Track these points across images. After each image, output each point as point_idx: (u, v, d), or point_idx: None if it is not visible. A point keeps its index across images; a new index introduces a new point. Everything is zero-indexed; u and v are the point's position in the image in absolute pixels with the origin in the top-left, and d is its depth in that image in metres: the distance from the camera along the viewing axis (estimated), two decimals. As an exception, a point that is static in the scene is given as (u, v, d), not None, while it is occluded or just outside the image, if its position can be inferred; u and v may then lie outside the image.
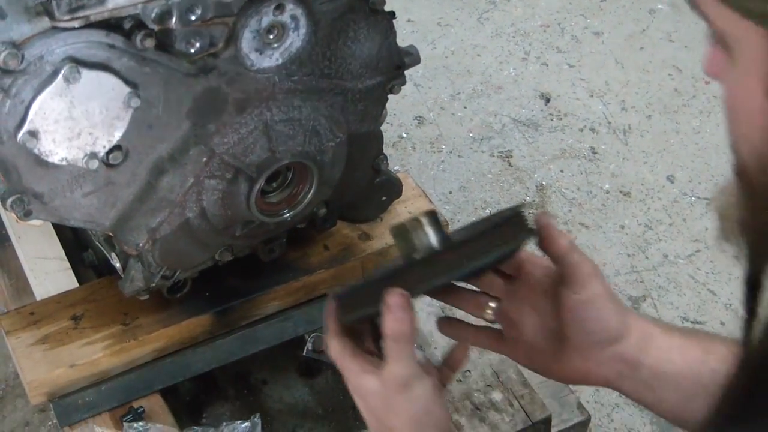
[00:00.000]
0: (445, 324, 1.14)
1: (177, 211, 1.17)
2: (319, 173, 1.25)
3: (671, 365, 1.02)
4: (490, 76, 2.63)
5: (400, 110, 2.42)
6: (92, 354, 1.30)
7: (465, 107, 2.53)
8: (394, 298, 0.93)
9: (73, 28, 0.96)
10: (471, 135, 2.45)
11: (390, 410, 0.98)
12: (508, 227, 0.98)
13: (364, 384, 0.98)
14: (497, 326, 1.08)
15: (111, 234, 1.17)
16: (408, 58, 1.28)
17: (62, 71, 0.96)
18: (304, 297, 1.42)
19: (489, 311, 1.06)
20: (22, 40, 0.95)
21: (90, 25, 0.97)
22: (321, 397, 1.67)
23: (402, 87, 1.30)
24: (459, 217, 2.21)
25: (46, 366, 1.28)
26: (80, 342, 1.31)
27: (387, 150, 1.38)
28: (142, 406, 1.32)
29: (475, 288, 1.08)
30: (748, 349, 0.67)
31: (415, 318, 0.95)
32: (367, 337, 1.03)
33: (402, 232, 0.97)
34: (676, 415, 1.03)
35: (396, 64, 1.26)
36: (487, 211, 2.24)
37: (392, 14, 1.22)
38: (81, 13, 0.95)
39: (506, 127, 2.47)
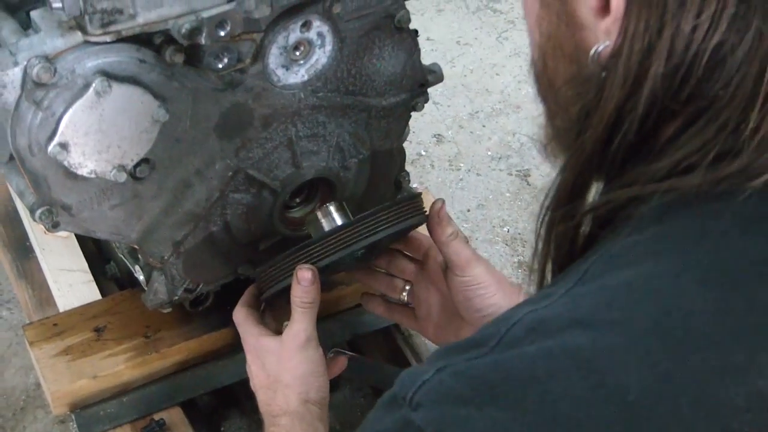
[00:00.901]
0: (368, 299, 1.34)
1: (201, 225, 1.18)
2: (342, 189, 1.26)
3: None
4: (509, 95, 2.64)
5: (419, 128, 2.43)
6: (114, 366, 1.31)
7: (484, 126, 2.54)
8: (303, 272, 1.12)
9: (105, 43, 0.97)
10: (489, 153, 2.46)
11: (283, 366, 1.14)
12: (402, 210, 1.15)
13: (264, 344, 1.16)
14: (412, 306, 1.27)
15: (136, 246, 1.18)
16: (431, 75, 1.29)
17: (93, 84, 0.97)
18: (324, 312, 1.42)
19: (403, 293, 1.27)
20: (55, 54, 0.96)
21: (121, 40, 0.98)
22: (338, 413, 1.67)
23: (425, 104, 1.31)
24: (477, 234, 2.21)
25: (68, 377, 1.29)
26: (102, 354, 1.32)
27: (406, 167, 1.39)
28: (162, 419, 1.33)
29: (391, 273, 1.28)
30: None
31: (319, 290, 1.13)
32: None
33: (313, 218, 1.22)
34: None
35: (419, 81, 1.27)
36: (505, 229, 2.25)
37: (416, 32, 1.24)
38: (113, 28, 0.96)
39: (524, 146, 2.48)
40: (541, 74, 0.77)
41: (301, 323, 1.14)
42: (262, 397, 1.16)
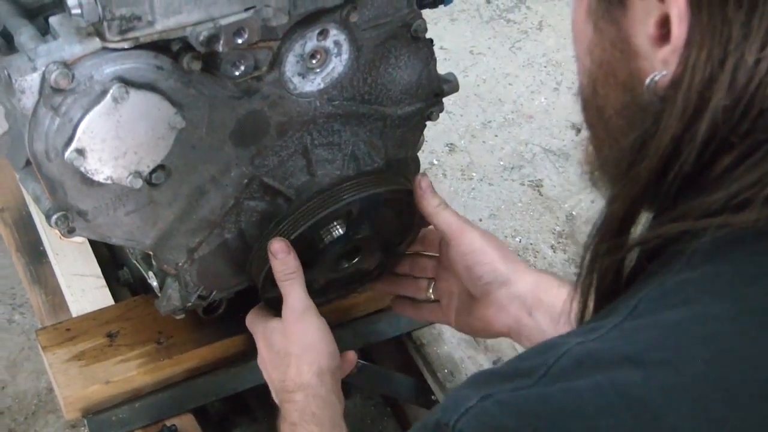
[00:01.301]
0: (397, 302, 1.35)
1: (216, 232, 1.19)
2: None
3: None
4: (522, 105, 2.64)
5: (432, 137, 2.43)
6: (127, 371, 1.31)
7: (496, 135, 2.54)
8: (274, 245, 1.14)
9: (123, 49, 0.98)
10: (502, 163, 2.45)
11: (289, 339, 1.15)
12: (377, 178, 1.19)
13: (270, 326, 1.19)
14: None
15: (151, 252, 1.18)
16: (447, 85, 1.29)
17: (111, 91, 0.97)
18: (336, 320, 1.43)
19: (429, 291, 1.28)
20: (73, 60, 0.97)
21: (139, 47, 0.98)
22: (350, 420, 1.66)
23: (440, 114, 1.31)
24: (489, 244, 2.21)
25: (81, 382, 1.29)
26: (115, 359, 1.32)
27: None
28: (174, 425, 1.33)
29: (415, 275, 1.30)
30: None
31: (297, 259, 1.15)
32: None
33: None
34: None
35: (435, 91, 1.27)
36: (517, 239, 2.25)
37: (432, 42, 1.24)
38: (131, 35, 0.97)
39: (537, 157, 2.48)
40: (590, 101, 0.76)
41: (292, 295, 1.16)
42: (275, 377, 1.17)
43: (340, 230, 1.18)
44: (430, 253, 1.30)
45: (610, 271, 0.72)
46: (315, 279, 1.24)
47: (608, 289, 0.73)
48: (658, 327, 0.62)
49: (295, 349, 1.15)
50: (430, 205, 1.19)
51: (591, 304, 0.75)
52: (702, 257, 0.64)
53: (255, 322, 1.24)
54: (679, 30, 0.64)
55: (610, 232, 0.71)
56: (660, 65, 0.66)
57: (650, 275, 0.68)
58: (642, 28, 0.67)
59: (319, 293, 1.28)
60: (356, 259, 1.26)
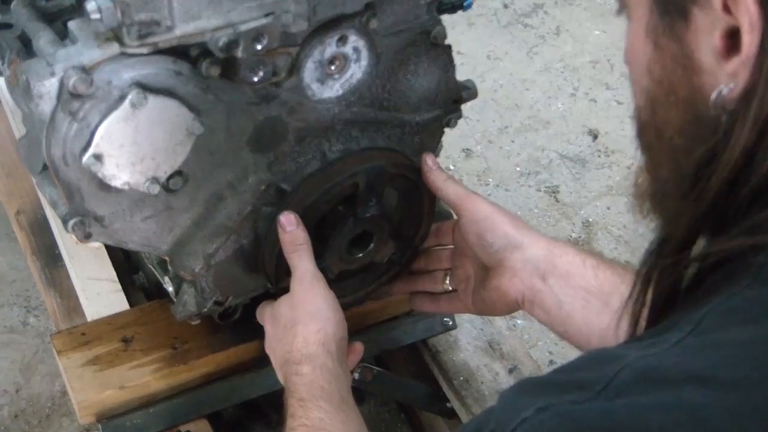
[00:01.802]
0: (414, 298, 1.34)
1: (233, 238, 1.18)
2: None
3: (582, 280, 1.11)
4: (539, 111, 2.63)
5: (448, 142, 2.41)
6: (141, 377, 1.30)
7: (513, 141, 2.53)
8: (283, 218, 1.15)
9: (142, 54, 0.97)
10: (518, 169, 2.45)
11: (296, 308, 1.15)
12: (382, 152, 1.19)
13: (276, 303, 1.19)
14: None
15: (167, 258, 1.18)
16: (465, 92, 1.28)
17: (129, 96, 0.97)
18: (352, 327, 1.40)
19: (446, 282, 1.29)
20: (92, 65, 0.96)
21: (158, 52, 0.98)
22: (364, 427, 1.66)
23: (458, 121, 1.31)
24: (505, 251, 2.20)
25: (96, 387, 1.28)
26: (130, 364, 1.32)
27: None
28: (189, 430, 1.33)
29: (432, 270, 1.30)
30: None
31: (305, 231, 1.15)
32: None
33: None
34: (580, 339, 1.11)
35: (454, 98, 1.26)
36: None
37: (451, 48, 1.23)
38: (150, 40, 0.96)
39: (553, 163, 2.47)
40: (648, 123, 0.74)
41: (300, 265, 1.16)
42: (281, 350, 1.16)
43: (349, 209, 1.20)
44: (444, 246, 1.30)
45: (668, 285, 0.70)
46: (328, 267, 1.23)
47: (665, 302, 0.71)
48: (727, 345, 0.60)
49: (302, 317, 1.14)
50: (438, 179, 1.21)
51: (644, 317, 0.73)
52: None
53: (263, 309, 1.25)
54: (750, 39, 0.62)
55: (671, 250, 0.69)
56: (727, 78, 0.65)
57: (713, 288, 0.65)
58: (706, 42, 0.66)
59: (333, 287, 1.27)
60: (368, 248, 1.25)
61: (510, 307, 1.18)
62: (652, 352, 0.61)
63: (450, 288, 1.29)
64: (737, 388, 0.57)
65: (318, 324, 1.13)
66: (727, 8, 0.63)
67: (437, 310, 1.38)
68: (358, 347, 1.24)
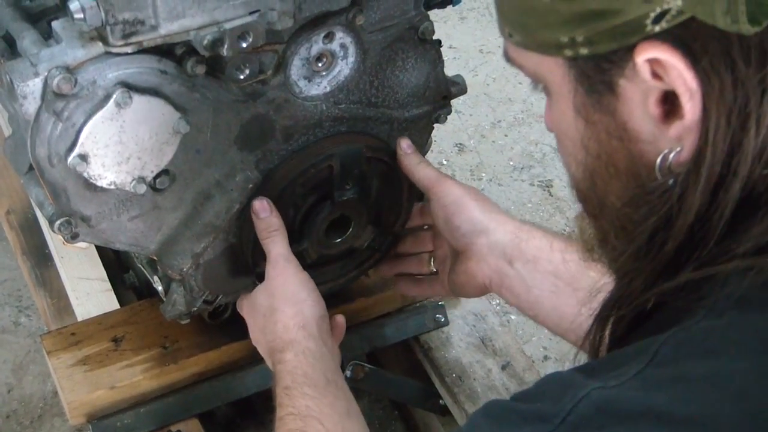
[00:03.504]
0: (399, 282, 1.35)
1: (221, 237, 1.17)
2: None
3: (549, 264, 1.12)
4: (532, 105, 2.62)
5: (441, 137, 2.42)
6: (132, 376, 1.30)
7: (506, 135, 2.52)
8: (256, 204, 1.14)
9: (126, 54, 0.97)
10: (511, 163, 2.44)
11: (272, 294, 1.14)
12: (357, 135, 1.19)
13: (255, 293, 1.18)
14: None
15: (155, 258, 1.17)
16: (455, 87, 1.28)
17: (114, 96, 0.96)
18: (343, 324, 1.42)
19: (431, 264, 1.29)
20: (76, 65, 0.95)
21: (142, 51, 0.97)
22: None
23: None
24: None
25: (86, 387, 1.28)
26: (120, 364, 1.31)
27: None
28: (180, 430, 1.32)
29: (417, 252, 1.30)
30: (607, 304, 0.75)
31: (279, 216, 1.15)
32: None
33: None
34: (551, 324, 1.13)
35: (443, 93, 1.26)
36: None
37: (440, 44, 1.22)
38: (134, 39, 0.96)
39: (547, 156, 2.46)
40: (589, 194, 0.73)
41: (274, 249, 1.15)
42: (265, 341, 1.15)
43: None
44: (427, 226, 1.30)
45: (625, 320, 0.71)
46: (306, 252, 1.22)
47: (622, 333, 0.71)
48: (684, 380, 0.60)
49: (279, 303, 1.14)
50: (410, 162, 1.21)
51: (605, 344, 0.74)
52: (727, 303, 0.62)
53: (241, 301, 1.24)
54: (692, 105, 0.62)
55: (628, 301, 0.70)
56: (669, 143, 0.64)
57: (670, 317, 0.65)
58: (640, 111, 0.65)
59: (313, 272, 1.27)
60: (347, 233, 1.25)
61: (480, 290, 1.19)
62: (612, 384, 0.61)
63: (434, 269, 1.29)
64: (693, 426, 0.58)
65: (295, 307, 1.13)
66: (657, 75, 0.63)
67: (420, 293, 1.39)
68: (340, 320, 1.23)
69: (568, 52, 0.66)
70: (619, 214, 0.70)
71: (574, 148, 0.71)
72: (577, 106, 0.69)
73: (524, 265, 1.12)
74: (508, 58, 0.74)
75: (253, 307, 1.18)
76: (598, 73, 0.66)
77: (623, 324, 0.71)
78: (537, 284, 1.11)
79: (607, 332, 0.73)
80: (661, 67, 0.62)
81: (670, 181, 0.64)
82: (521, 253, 1.12)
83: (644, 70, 0.63)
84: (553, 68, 0.69)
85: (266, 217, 1.15)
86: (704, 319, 0.62)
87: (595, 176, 0.71)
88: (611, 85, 0.65)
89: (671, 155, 0.64)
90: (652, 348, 0.62)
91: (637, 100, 0.65)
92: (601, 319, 0.74)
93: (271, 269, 1.15)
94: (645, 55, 0.62)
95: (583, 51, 0.65)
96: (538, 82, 0.73)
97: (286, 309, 1.13)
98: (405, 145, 1.22)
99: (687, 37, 0.61)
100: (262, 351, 1.18)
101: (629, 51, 0.63)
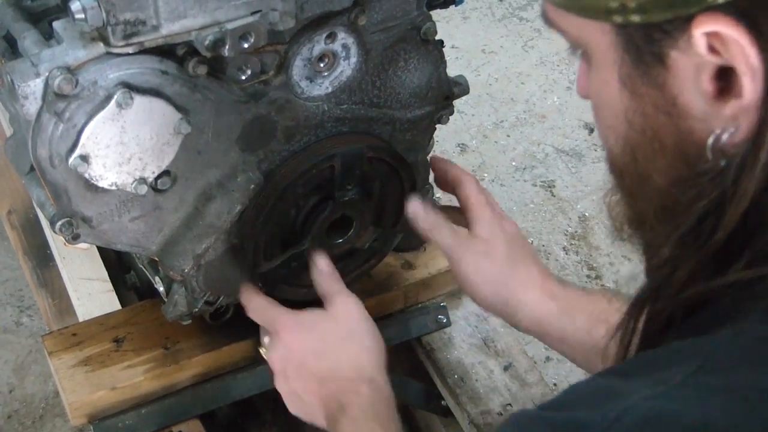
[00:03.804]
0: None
1: (223, 238, 1.17)
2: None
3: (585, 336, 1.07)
4: (534, 105, 2.62)
5: (443, 137, 2.42)
6: (133, 377, 1.30)
7: (508, 135, 2.52)
8: (318, 261, 1.17)
9: (127, 54, 0.96)
10: (514, 164, 2.44)
11: (345, 326, 1.11)
12: (355, 136, 1.18)
13: (309, 314, 1.13)
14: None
15: (156, 259, 1.17)
16: (457, 88, 1.27)
17: (115, 96, 0.96)
18: (345, 325, 1.41)
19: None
20: (77, 65, 0.95)
21: (144, 51, 0.97)
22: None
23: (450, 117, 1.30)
24: (500, 246, 2.19)
25: (87, 388, 1.28)
26: (122, 365, 1.31)
27: (430, 177, 1.37)
28: (181, 431, 1.32)
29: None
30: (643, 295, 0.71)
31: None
32: None
33: None
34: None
35: (445, 94, 1.25)
36: (530, 240, 2.23)
37: (442, 44, 1.22)
38: (135, 40, 0.95)
39: (549, 157, 2.46)
40: (629, 170, 0.69)
41: (342, 291, 1.15)
42: (328, 365, 1.08)
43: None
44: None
45: (662, 315, 0.67)
46: (306, 251, 1.22)
47: (658, 330, 0.67)
48: (740, 392, 0.56)
49: (361, 337, 1.11)
50: (427, 227, 1.18)
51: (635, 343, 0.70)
52: None
53: (276, 313, 1.17)
54: (753, 84, 0.58)
55: (669, 294, 0.66)
56: (723, 122, 0.60)
57: (716, 316, 0.61)
58: (692, 86, 0.61)
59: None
60: (349, 233, 1.24)
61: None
62: (659, 390, 0.57)
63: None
64: None
65: (378, 344, 1.11)
66: (714, 50, 0.59)
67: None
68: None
69: (617, 19, 0.62)
70: (663, 194, 0.67)
71: (614, 120, 0.68)
72: (623, 76, 0.65)
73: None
74: (547, 20, 0.70)
75: (313, 331, 1.12)
76: (649, 42, 0.62)
77: (659, 319, 0.67)
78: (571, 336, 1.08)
79: (639, 326, 0.69)
80: (720, 42, 0.59)
81: (723, 163, 0.61)
82: (553, 329, 1.09)
83: (700, 44, 0.59)
84: (598, 34, 0.65)
85: (330, 270, 1.16)
86: (758, 323, 0.58)
87: (638, 151, 0.67)
88: (661, 56, 0.62)
89: (725, 135, 0.61)
90: (703, 350, 0.58)
91: (689, 74, 0.61)
92: (634, 310, 0.69)
93: (343, 304, 1.14)
94: (704, 27, 0.59)
95: (634, 18, 0.61)
96: (578, 47, 0.69)
97: (371, 346, 1.10)
98: (412, 209, 1.18)
99: (753, 9, 0.57)
100: (309, 375, 1.10)
101: (686, 22, 0.59)
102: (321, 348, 1.10)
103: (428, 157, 1.27)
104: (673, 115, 0.63)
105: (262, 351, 1.23)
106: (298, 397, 1.10)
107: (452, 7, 1.22)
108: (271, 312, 1.18)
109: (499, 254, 1.13)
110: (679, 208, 0.64)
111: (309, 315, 1.14)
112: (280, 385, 1.13)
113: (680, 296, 0.65)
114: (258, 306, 1.20)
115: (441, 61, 1.22)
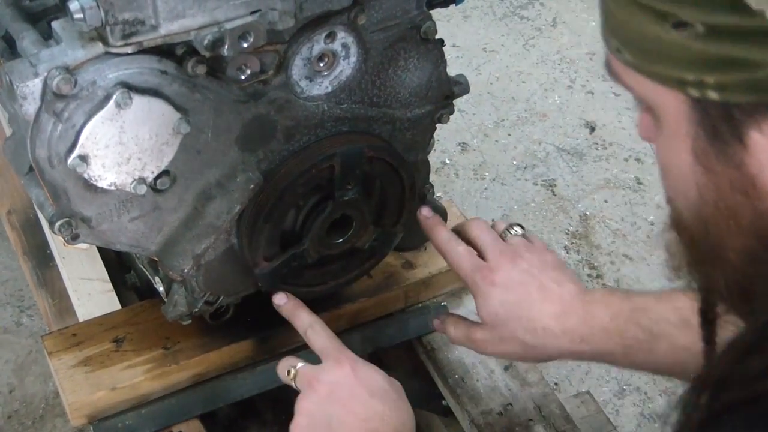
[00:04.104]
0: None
1: (222, 237, 1.17)
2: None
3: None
4: (535, 104, 2.61)
5: (444, 136, 2.41)
6: (133, 377, 1.29)
7: (509, 134, 2.52)
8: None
9: (126, 54, 0.96)
10: (515, 163, 2.43)
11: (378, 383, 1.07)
12: (354, 136, 1.18)
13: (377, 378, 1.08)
14: None
15: (156, 259, 1.17)
16: (457, 87, 1.27)
17: (114, 96, 0.96)
18: (346, 324, 1.41)
19: None
20: (76, 65, 0.95)
21: (142, 51, 0.97)
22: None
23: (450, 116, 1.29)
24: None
25: (87, 388, 1.27)
26: (121, 365, 1.30)
27: (430, 176, 1.37)
28: (181, 431, 1.32)
29: None
30: (710, 374, 0.66)
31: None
32: None
33: None
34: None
35: (445, 93, 1.25)
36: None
37: (442, 43, 1.22)
38: (134, 39, 0.95)
39: (550, 156, 2.45)
40: (698, 238, 0.66)
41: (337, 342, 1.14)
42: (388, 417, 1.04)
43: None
44: None
45: (723, 405, 0.61)
46: (307, 251, 1.22)
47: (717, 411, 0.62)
48: None
49: (388, 385, 1.08)
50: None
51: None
52: None
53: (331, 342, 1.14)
54: None
55: (738, 382, 0.61)
56: None
57: None
58: None
59: (314, 272, 1.27)
60: (349, 233, 1.24)
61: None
62: None
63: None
64: None
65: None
66: None
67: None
68: None
69: (693, 92, 0.59)
70: (737, 272, 0.63)
71: (685, 187, 0.64)
72: (697, 151, 0.62)
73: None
74: (610, 72, 0.67)
75: (366, 384, 1.07)
76: (727, 121, 0.59)
77: (718, 408, 0.62)
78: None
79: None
80: None
81: None
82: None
83: None
84: (670, 101, 0.62)
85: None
86: None
87: (710, 225, 0.64)
88: (741, 135, 0.59)
89: None
90: None
91: None
92: (694, 394, 0.64)
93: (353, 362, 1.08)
94: None
95: (712, 95, 0.58)
96: (650, 110, 0.66)
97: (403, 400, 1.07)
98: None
99: None
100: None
101: None
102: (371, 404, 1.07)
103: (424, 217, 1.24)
104: (751, 195, 0.60)
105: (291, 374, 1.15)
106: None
107: (453, 6, 1.22)
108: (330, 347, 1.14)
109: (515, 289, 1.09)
110: (756, 290, 0.61)
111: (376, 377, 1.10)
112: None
113: (748, 389, 0.60)
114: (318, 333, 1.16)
115: (441, 60, 1.22)
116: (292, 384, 1.12)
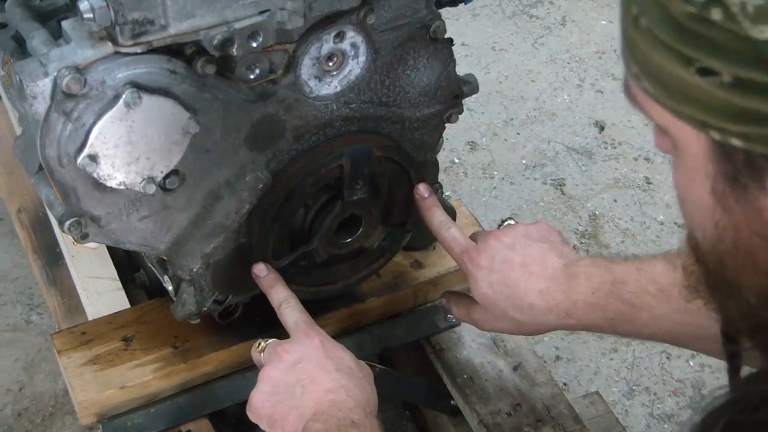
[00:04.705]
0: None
1: (231, 237, 1.17)
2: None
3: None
4: (544, 103, 2.61)
5: (453, 135, 2.41)
6: (142, 376, 1.29)
7: (518, 133, 2.51)
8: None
9: (136, 54, 0.96)
10: (524, 162, 2.43)
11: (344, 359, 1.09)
12: (363, 135, 1.18)
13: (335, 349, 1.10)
14: None
15: (165, 258, 1.17)
16: (466, 87, 1.27)
17: (123, 96, 0.96)
18: (354, 324, 1.41)
19: None
20: (85, 65, 0.95)
21: (152, 51, 0.97)
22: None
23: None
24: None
25: (96, 387, 1.28)
26: (131, 364, 1.31)
27: (439, 175, 1.37)
28: (190, 430, 1.32)
29: None
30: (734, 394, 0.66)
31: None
32: None
33: None
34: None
35: (454, 93, 1.25)
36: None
37: (451, 42, 1.22)
38: (144, 39, 0.95)
39: (560, 155, 2.45)
40: (715, 271, 0.65)
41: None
42: (355, 396, 1.05)
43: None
44: None
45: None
46: (316, 251, 1.22)
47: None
48: None
49: (355, 365, 1.09)
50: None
51: None
52: None
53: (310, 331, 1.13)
54: None
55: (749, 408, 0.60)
56: None
57: None
58: None
59: (323, 272, 1.26)
60: (358, 232, 1.24)
61: None
62: None
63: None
64: None
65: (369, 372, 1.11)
66: None
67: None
68: None
69: (716, 136, 0.57)
70: (754, 311, 0.62)
71: (702, 221, 0.63)
72: (717, 191, 0.61)
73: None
74: (629, 95, 0.65)
75: (336, 362, 1.08)
76: (749, 167, 0.57)
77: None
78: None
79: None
80: None
81: None
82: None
83: None
84: (691, 138, 0.60)
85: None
86: None
87: (727, 262, 0.63)
88: (763, 182, 0.57)
89: None
90: None
91: None
92: (712, 420, 0.63)
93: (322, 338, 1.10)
94: None
95: (735, 142, 0.57)
96: (668, 135, 0.64)
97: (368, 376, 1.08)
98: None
99: None
100: (336, 407, 1.03)
101: None
102: (341, 379, 1.07)
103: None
104: None
105: (260, 347, 1.16)
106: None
107: (462, 5, 1.22)
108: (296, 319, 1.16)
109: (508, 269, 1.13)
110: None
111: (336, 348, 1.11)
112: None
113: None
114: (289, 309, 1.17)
115: (450, 60, 1.22)
116: (260, 357, 1.13)
